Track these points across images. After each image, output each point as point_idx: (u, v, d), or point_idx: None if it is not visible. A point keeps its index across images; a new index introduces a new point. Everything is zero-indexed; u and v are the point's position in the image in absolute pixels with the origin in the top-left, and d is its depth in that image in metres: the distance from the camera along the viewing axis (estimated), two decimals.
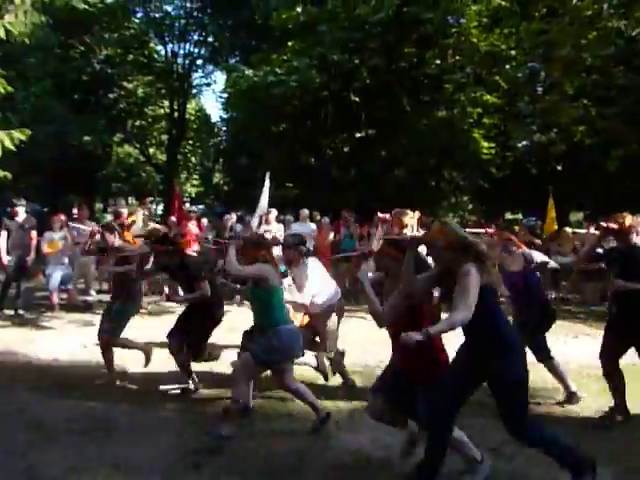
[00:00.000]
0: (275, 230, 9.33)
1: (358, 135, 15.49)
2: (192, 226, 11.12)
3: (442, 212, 17.18)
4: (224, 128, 24.86)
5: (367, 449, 3.55)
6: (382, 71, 14.79)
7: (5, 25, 8.08)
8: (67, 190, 21.34)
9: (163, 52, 23.76)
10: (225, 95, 22.51)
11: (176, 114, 23.77)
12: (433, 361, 3.01)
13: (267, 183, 10.40)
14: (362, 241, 9.13)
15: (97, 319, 5.27)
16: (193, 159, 26.76)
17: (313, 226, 10.64)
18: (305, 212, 10.81)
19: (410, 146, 15.00)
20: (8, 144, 7.26)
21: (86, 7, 20.62)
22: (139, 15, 23.13)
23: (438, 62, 15.41)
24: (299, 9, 15.03)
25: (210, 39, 23.15)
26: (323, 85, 14.77)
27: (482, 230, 7.10)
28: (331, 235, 10.39)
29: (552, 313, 4.59)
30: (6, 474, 3.19)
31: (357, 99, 15.08)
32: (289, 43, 15.29)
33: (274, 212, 9.90)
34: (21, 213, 7.69)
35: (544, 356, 4.32)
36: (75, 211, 10.83)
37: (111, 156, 24.09)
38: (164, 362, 4.95)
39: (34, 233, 7.67)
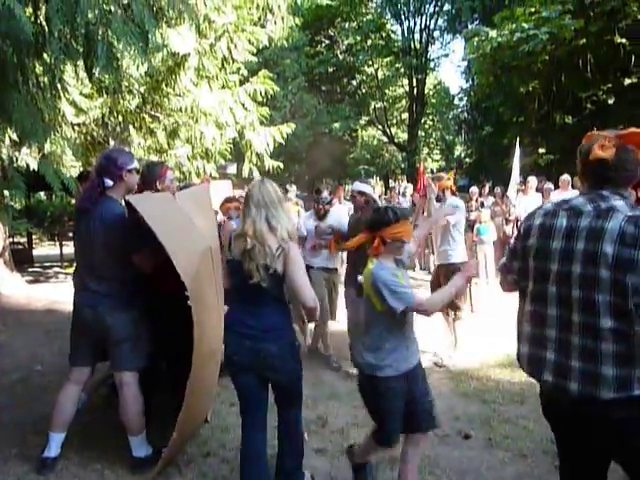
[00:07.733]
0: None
1: (628, 82, 13.21)
2: None
3: None
4: (464, 99, 24.13)
5: None
6: None
7: (268, 33, 9.03)
8: (321, 175, 23.36)
9: (399, 31, 24.08)
10: (465, 64, 21.78)
11: (415, 91, 23.90)
12: None
13: (517, 151, 9.70)
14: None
15: None
16: (434, 134, 26.62)
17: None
18: (566, 178, 9.75)
19: None
20: (279, 138, 8.17)
21: (328, 2, 22.23)
22: None
23: None
24: None
25: (446, 7, 22.57)
26: (579, 31, 13.00)
27: None
28: None
29: None
30: None
31: (624, 40, 12.87)
32: None
33: (534, 180, 9.31)
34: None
35: None
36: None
37: (357, 140, 25.51)
38: None
39: None
